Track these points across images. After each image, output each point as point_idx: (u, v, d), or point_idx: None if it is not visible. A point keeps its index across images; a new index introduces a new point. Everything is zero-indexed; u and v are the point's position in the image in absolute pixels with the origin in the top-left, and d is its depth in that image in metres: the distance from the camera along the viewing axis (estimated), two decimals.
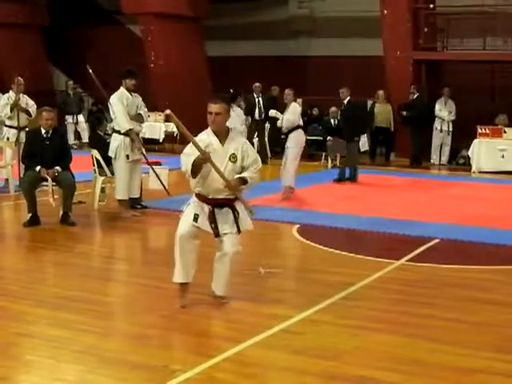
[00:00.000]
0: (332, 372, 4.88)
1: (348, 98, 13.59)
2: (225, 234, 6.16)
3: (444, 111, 17.46)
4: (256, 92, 17.34)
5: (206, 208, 6.14)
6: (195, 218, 6.14)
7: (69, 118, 19.61)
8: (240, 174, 6.19)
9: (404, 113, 17.36)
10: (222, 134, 6.16)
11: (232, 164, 6.13)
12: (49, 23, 22.39)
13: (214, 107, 6.08)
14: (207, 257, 6.32)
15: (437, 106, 17.50)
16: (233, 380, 4.76)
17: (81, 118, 19.74)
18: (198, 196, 6.18)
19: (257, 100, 17.30)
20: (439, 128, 17.60)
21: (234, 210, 6.18)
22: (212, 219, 6.12)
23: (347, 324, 5.87)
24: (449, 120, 17.48)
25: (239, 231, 6.19)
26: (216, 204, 6.15)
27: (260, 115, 17.31)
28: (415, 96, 17.34)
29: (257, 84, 17.35)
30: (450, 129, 17.55)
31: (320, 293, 6.66)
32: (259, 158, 6.36)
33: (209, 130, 6.19)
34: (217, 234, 6.15)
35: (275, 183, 13.41)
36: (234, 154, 6.14)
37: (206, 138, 6.13)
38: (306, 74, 19.62)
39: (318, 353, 5.21)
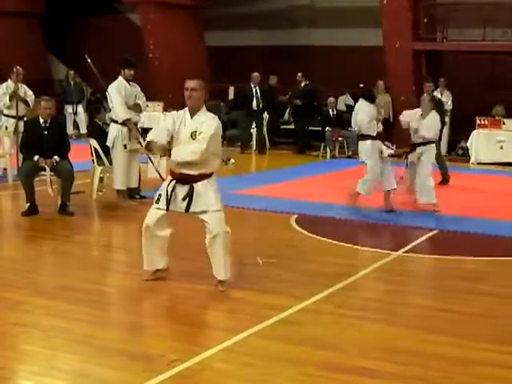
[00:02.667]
0: (330, 362, 4.88)
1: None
2: (204, 212, 6.18)
3: None
4: (254, 82, 17.29)
5: (171, 184, 6.26)
6: (157, 200, 6.30)
7: (68, 108, 19.56)
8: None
9: (298, 101, 17.29)
10: (195, 112, 6.23)
11: (193, 141, 6.15)
12: (47, 12, 22.31)
13: (190, 83, 6.18)
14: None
15: None
16: (231, 370, 4.76)
17: (80, 108, 19.69)
18: (171, 172, 6.34)
19: (254, 90, 17.26)
20: None
21: (192, 189, 6.19)
22: (170, 194, 6.21)
23: (345, 314, 5.87)
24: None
25: (187, 210, 6.20)
26: (179, 179, 6.24)
27: (258, 105, 17.28)
28: (303, 84, 17.27)
29: (255, 74, 17.30)
30: (446, 120, 17.46)
31: (318, 283, 6.66)
32: (204, 146, 6.09)
33: (187, 107, 6.28)
34: (167, 208, 6.23)
35: (273, 173, 13.46)
36: (195, 131, 6.16)
37: (182, 114, 6.24)
38: (305, 64, 19.54)
39: (316, 343, 5.21)
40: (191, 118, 6.21)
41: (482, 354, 5.09)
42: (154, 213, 6.27)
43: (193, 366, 4.75)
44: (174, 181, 6.25)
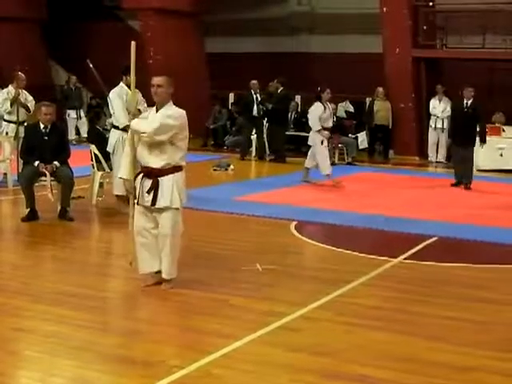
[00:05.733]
0: (329, 369, 4.88)
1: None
2: (166, 208, 6.28)
3: (438, 108, 17.39)
4: (254, 89, 17.30)
5: (139, 177, 6.40)
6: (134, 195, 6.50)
7: (72, 113, 19.59)
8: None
9: (270, 106, 17.11)
10: (161, 106, 6.41)
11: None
12: (47, 17, 22.36)
13: (156, 80, 6.48)
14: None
15: (431, 104, 17.43)
16: (230, 376, 4.76)
17: (82, 113, 19.76)
18: (140, 167, 6.47)
19: (254, 97, 17.27)
20: (433, 125, 17.52)
21: (157, 182, 6.28)
22: (139, 187, 6.33)
23: (344, 321, 5.87)
24: (443, 117, 17.35)
25: (153, 204, 6.27)
26: (145, 173, 6.36)
27: (258, 112, 17.28)
28: (279, 90, 17.16)
29: (254, 81, 17.32)
30: (445, 126, 17.41)
31: (317, 290, 6.67)
32: (157, 125, 6.23)
33: None
34: (138, 202, 6.36)
35: (272, 180, 13.46)
36: None
37: (149, 110, 6.53)
38: (305, 71, 19.59)
39: (315, 350, 5.21)
40: (156, 112, 6.38)
41: (482, 361, 5.09)
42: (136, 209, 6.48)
43: (192, 373, 4.75)
44: (141, 174, 6.39)
